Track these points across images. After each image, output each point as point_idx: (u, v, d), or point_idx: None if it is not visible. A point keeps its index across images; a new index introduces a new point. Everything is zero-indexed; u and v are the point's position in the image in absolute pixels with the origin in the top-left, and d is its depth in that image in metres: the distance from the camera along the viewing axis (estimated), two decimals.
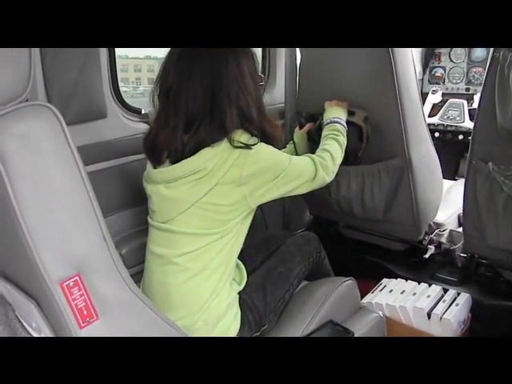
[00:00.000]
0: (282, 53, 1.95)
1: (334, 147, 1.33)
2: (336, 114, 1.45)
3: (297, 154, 1.51)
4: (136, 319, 0.86)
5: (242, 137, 1.09)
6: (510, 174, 1.33)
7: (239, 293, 1.19)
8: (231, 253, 1.16)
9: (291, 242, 1.40)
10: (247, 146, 1.07)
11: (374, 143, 1.63)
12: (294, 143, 1.59)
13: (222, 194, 1.08)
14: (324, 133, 1.40)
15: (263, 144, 1.12)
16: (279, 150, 1.19)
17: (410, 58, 1.54)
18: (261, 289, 1.21)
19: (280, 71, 1.98)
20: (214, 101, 1.07)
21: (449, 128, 2.36)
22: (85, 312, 0.78)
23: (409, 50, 1.54)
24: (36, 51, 1.27)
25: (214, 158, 1.06)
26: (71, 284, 0.76)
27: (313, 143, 1.56)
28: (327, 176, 1.27)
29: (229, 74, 1.08)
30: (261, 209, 1.98)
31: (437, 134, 2.50)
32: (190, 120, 1.08)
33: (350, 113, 1.53)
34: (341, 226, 2.04)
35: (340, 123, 1.42)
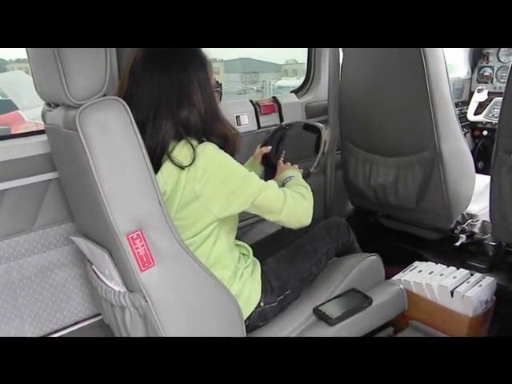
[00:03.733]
0: (326, 53, 2.10)
1: (302, 193, 1.31)
2: (290, 174, 1.41)
3: None
4: (184, 269, 1.08)
5: (181, 151, 1.10)
6: None
7: (263, 264, 1.35)
8: (221, 251, 1.22)
9: (322, 225, 1.55)
10: (181, 167, 1.08)
11: (408, 137, 1.77)
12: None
13: (186, 212, 1.13)
14: (287, 185, 1.35)
15: (217, 152, 1.12)
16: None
17: (441, 58, 1.66)
18: (288, 261, 1.38)
19: (324, 70, 2.13)
20: (156, 109, 1.10)
21: (497, 126, 2.41)
22: (144, 259, 1.01)
23: (440, 50, 1.66)
24: (113, 55, 1.53)
25: (168, 180, 1.09)
26: (134, 236, 1.00)
27: (269, 169, 1.53)
28: (299, 217, 1.27)
29: (171, 82, 1.10)
30: None
31: (485, 133, 2.57)
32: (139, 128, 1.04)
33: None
34: (379, 216, 2.18)
35: (298, 178, 1.38)
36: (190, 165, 1.08)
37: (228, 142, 1.19)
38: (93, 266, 1.26)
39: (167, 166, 1.11)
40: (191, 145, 1.10)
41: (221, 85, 1.24)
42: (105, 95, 1.00)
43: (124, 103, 0.99)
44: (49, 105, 1.20)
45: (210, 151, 1.11)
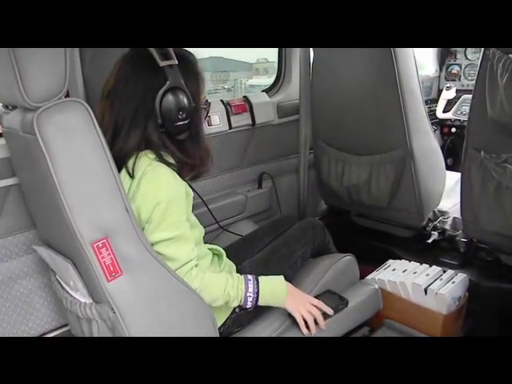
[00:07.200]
0: (296, 52, 2.08)
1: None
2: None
3: None
4: (154, 277, 1.03)
5: (135, 162, 1.09)
6: (500, 162, 1.43)
7: (238, 267, 1.34)
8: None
9: (297, 226, 1.53)
10: (130, 175, 1.08)
11: (380, 135, 1.77)
12: None
13: None
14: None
15: (160, 185, 1.07)
16: None
17: (411, 57, 1.67)
18: (264, 265, 1.35)
19: (295, 69, 2.11)
20: (137, 107, 1.09)
21: (465, 123, 2.44)
22: (111, 268, 0.96)
23: (410, 49, 1.66)
24: (76, 54, 1.46)
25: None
26: (100, 245, 0.95)
27: None
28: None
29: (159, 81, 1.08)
30: (276, 199, 2.13)
31: (454, 130, 2.61)
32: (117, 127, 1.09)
33: None
34: (353, 215, 2.18)
35: None
36: (133, 174, 1.08)
37: (193, 169, 1.17)
38: (57, 276, 1.20)
39: (122, 171, 1.10)
40: (135, 157, 1.09)
41: (209, 103, 1.22)
42: (67, 96, 0.95)
43: (86, 105, 0.94)
44: (6, 107, 1.14)
45: (156, 180, 1.07)
